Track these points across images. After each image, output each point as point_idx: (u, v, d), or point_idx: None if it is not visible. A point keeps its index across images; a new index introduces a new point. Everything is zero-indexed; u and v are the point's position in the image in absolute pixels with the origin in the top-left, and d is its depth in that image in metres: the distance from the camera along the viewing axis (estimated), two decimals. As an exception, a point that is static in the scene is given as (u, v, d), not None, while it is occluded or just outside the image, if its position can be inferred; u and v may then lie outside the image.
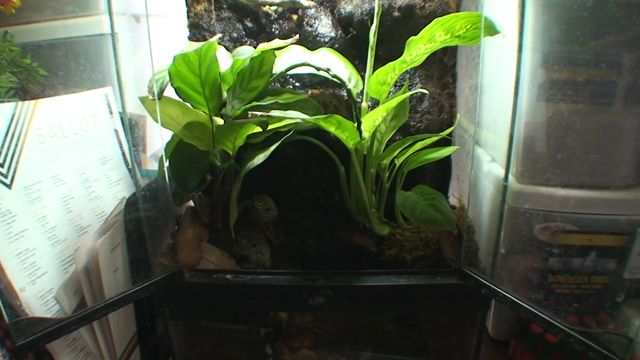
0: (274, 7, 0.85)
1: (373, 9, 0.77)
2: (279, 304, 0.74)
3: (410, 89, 0.83)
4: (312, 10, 0.86)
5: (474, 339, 0.75)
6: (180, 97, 0.68)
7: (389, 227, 0.80)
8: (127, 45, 0.81)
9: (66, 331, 0.61)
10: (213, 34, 0.85)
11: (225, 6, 0.87)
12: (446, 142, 0.83)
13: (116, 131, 0.78)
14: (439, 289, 0.70)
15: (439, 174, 0.87)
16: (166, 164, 0.72)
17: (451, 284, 0.69)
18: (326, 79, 0.77)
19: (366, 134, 0.70)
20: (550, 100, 0.63)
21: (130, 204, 0.68)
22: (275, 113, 0.69)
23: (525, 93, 0.63)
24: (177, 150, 0.74)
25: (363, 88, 0.76)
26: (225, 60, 0.72)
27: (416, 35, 0.64)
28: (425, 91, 0.75)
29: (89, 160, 0.73)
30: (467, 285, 0.68)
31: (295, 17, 0.86)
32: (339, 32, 0.86)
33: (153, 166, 0.89)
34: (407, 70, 0.79)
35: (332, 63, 0.76)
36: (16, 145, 0.62)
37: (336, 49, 0.80)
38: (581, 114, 0.63)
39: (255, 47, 0.75)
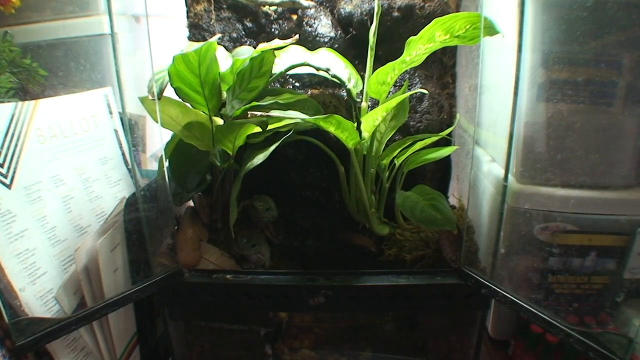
0: (273, 7, 0.85)
1: (373, 9, 0.77)
2: (279, 304, 0.74)
3: (409, 89, 0.83)
4: (312, 10, 0.86)
5: (473, 339, 0.75)
6: (180, 97, 0.68)
7: (388, 227, 0.80)
8: (127, 46, 0.81)
9: (66, 331, 0.61)
10: (213, 34, 0.85)
11: (225, 6, 0.87)
12: (446, 142, 0.83)
13: (116, 131, 0.78)
14: (438, 289, 0.70)
15: (439, 174, 0.87)
16: (166, 164, 0.72)
17: (451, 284, 0.69)
18: (326, 79, 0.77)
19: (366, 134, 0.70)
20: (550, 100, 0.63)
21: (130, 204, 0.68)
22: (275, 113, 0.69)
23: (525, 93, 0.63)
24: (176, 150, 0.74)
25: (363, 88, 0.76)
26: (225, 61, 0.72)
27: (416, 35, 0.64)
28: (425, 91, 0.75)
29: (89, 161, 0.73)
30: (467, 285, 0.68)
31: (295, 17, 0.86)
32: (339, 32, 0.86)
33: (153, 166, 0.89)
34: (406, 70, 0.79)
35: (332, 63, 0.76)
36: (16, 146, 0.62)
37: (336, 49, 0.80)
38: (581, 114, 0.63)
39: (255, 47, 0.75)
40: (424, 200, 0.72)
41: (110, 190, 0.76)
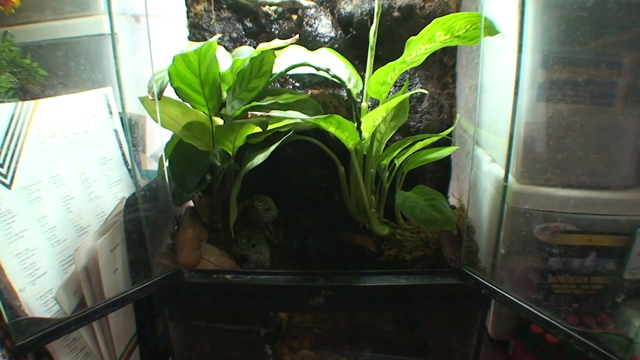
0: (273, 7, 0.85)
1: (373, 9, 0.77)
2: (278, 304, 0.74)
3: (410, 89, 0.83)
4: (312, 10, 0.86)
5: (473, 339, 0.75)
6: (180, 97, 0.68)
7: (388, 227, 0.80)
8: (127, 45, 0.81)
9: (66, 331, 0.61)
10: (213, 34, 0.85)
11: (225, 6, 0.87)
12: (446, 142, 0.83)
13: (116, 131, 0.78)
14: (438, 289, 0.70)
15: (439, 174, 0.87)
16: (166, 164, 0.72)
17: (451, 284, 0.69)
18: (326, 79, 0.77)
19: (366, 134, 0.70)
20: (550, 101, 0.63)
21: (130, 204, 0.68)
22: (275, 113, 0.68)
23: (525, 93, 0.63)
24: (176, 151, 0.74)
25: (363, 88, 0.76)
26: (225, 60, 0.72)
27: (416, 35, 0.64)
28: (425, 91, 0.75)
29: (89, 161, 0.73)
30: (467, 286, 0.68)
31: (295, 17, 0.86)
32: (339, 32, 0.86)
33: (153, 166, 0.89)
34: (406, 71, 0.79)
35: (332, 63, 0.76)
36: (16, 145, 0.62)
37: (336, 49, 0.80)
38: (581, 114, 0.63)
39: (255, 47, 0.75)
40: (424, 201, 0.72)
41: (110, 190, 0.75)
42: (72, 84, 0.78)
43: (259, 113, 0.72)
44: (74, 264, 0.65)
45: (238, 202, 0.73)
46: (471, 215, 0.80)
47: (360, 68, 0.79)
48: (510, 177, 0.67)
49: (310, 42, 0.84)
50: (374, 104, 0.81)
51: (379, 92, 0.72)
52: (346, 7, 0.85)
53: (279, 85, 0.85)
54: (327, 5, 0.88)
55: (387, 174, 0.77)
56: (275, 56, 0.69)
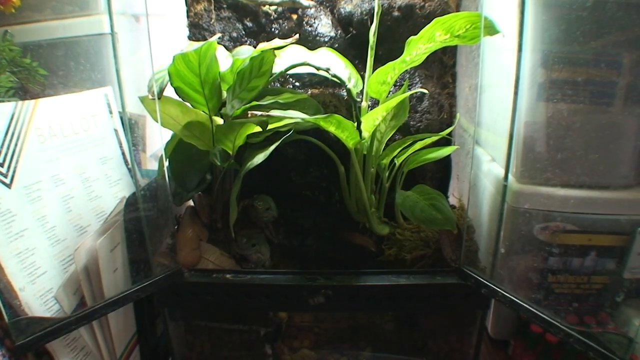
0: (273, 7, 0.85)
1: (373, 8, 0.77)
2: (279, 304, 0.74)
3: (410, 89, 0.83)
4: (312, 10, 0.86)
5: (473, 339, 0.75)
6: (180, 97, 0.68)
7: (388, 226, 0.80)
8: (127, 45, 0.80)
9: (66, 331, 0.61)
10: (213, 33, 0.85)
11: (225, 6, 0.87)
12: (446, 141, 0.83)
13: (116, 131, 0.78)
14: (438, 289, 0.70)
15: (439, 174, 0.87)
16: (166, 163, 0.72)
17: (451, 284, 0.69)
18: (326, 78, 0.77)
19: (366, 134, 0.70)
20: (550, 100, 0.63)
21: (130, 203, 0.68)
22: (275, 113, 0.68)
23: (525, 93, 0.63)
24: (176, 150, 0.74)
25: (363, 88, 0.76)
26: (225, 60, 0.72)
27: (416, 35, 0.64)
28: (425, 91, 0.75)
29: (89, 160, 0.73)
30: (467, 285, 0.68)
31: (295, 16, 0.86)
32: (339, 31, 0.86)
33: (153, 166, 0.89)
34: (406, 70, 0.79)
35: (332, 62, 0.76)
36: (16, 145, 0.62)
37: (336, 49, 0.80)
38: (581, 113, 0.63)
39: (255, 47, 0.75)
40: (424, 200, 0.72)
41: (110, 189, 0.75)
42: (72, 84, 0.78)
43: (259, 112, 0.72)
44: (74, 263, 0.65)
45: (238, 201, 0.73)
46: (471, 214, 0.80)
47: (360, 68, 0.79)
48: (510, 177, 0.67)
49: (310, 41, 0.84)
50: (374, 103, 0.81)
51: (379, 92, 0.72)
52: (346, 7, 0.85)
53: (279, 85, 0.85)
54: (327, 4, 0.88)
55: (387, 174, 0.77)
56: (275, 56, 0.69)
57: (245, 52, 0.72)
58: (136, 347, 0.79)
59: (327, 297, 0.69)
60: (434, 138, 0.77)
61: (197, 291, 0.72)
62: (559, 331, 0.57)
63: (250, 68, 0.66)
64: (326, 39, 0.85)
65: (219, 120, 0.71)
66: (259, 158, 0.67)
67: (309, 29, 0.85)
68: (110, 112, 0.77)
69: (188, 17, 0.86)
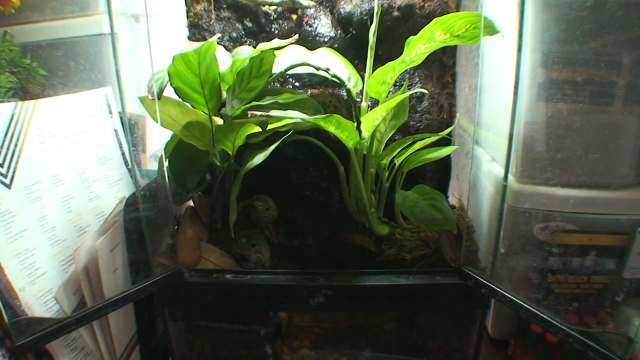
0: (273, 7, 0.85)
1: (372, 8, 0.77)
2: (278, 304, 0.74)
3: (409, 89, 0.83)
4: (312, 10, 0.86)
5: (473, 339, 0.75)
6: (179, 97, 0.68)
7: (388, 226, 0.80)
8: (127, 45, 0.81)
9: (66, 331, 0.61)
10: (212, 33, 0.85)
11: (224, 6, 0.87)
12: (446, 141, 0.83)
13: (116, 131, 0.78)
14: (438, 289, 0.70)
15: (439, 174, 0.87)
16: (166, 163, 0.72)
17: (451, 284, 0.69)
18: (326, 78, 0.76)
19: (366, 134, 0.70)
20: (549, 100, 0.63)
21: (130, 203, 0.68)
22: (274, 113, 0.68)
23: (524, 93, 0.63)
24: (176, 150, 0.74)
25: (362, 88, 0.76)
26: (224, 60, 0.72)
27: (416, 35, 0.64)
28: (425, 91, 0.75)
29: (89, 160, 0.73)
30: (467, 285, 0.68)
31: (294, 16, 0.86)
32: (339, 31, 0.86)
33: (153, 166, 0.89)
34: (406, 70, 0.79)
35: (332, 62, 0.76)
36: (16, 145, 0.62)
37: (336, 49, 0.80)
38: (581, 113, 0.63)
39: (254, 47, 0.75)
40: (423, 200, 0.72)
41: (110, 190, 0.75)
42: (71, 84, 0.78)
43: (259, 113, 0.72)
44: (74, 263, 0.65)
45: (238, 201, 0.73)
46: (471, 214, 0.80)
47: (360, 68, 0.79)
48: (510, 177, 0.67)
49: (310, 41, 0.84)
50: (374, 103, 0.81)
51: (379, 92, 0.72)
52: (346, 7, 0.85)
53: (278, 85, 0.85)
54: (327, 5, 0.88)
55: (386, 174, 0.77)
56: (274, 56, 0.69)
57: (245, 52, 0.72)
58: (136, 347, 0.79)
59: (327, 297, 0.69)
60: (434, 138, 0.77)
61: (197, 291, 0.72)
62: (559, 331, 0.57)
63: (250, 68, 0.66)
64: (326, 39, 0.85)
65: (219, 121, 0.71)
66: (259, 158, 0.67)
67: (309, 29, 0.85)
68: (110, 113, 0.77)
69: (188, 17, 0.86)
